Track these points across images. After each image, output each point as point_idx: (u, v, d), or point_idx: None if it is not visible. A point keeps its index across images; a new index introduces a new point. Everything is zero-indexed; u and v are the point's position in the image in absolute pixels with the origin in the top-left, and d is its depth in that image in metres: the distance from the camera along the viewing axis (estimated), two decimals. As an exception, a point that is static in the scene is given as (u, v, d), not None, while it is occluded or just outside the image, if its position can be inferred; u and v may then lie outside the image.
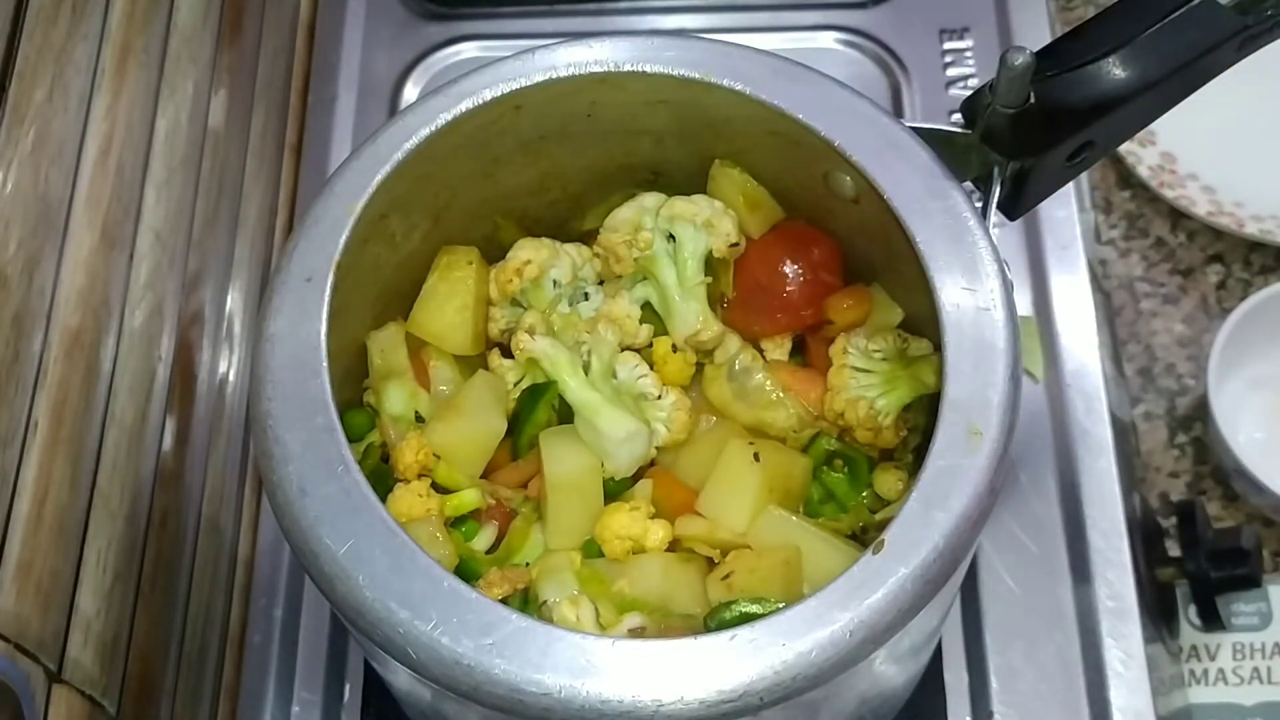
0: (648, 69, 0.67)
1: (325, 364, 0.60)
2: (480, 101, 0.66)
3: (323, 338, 0.61)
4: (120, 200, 0.75)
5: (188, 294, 0.83)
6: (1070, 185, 0.98)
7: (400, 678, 0.63)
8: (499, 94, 0.66)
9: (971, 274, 0.61)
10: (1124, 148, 1.07)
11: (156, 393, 0.79)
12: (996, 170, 0.65)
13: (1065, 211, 0.99)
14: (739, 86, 0.65)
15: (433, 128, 0.65)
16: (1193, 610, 0.91)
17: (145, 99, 0.80)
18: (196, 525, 0.84)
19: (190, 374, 0.83)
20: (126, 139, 0.77)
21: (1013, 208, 0.66)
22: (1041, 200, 0.68)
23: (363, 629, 0.56)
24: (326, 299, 0.61)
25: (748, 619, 0.57)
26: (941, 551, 0.56)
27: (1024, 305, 0.95)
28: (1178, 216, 1.08)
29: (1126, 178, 1.09)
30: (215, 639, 0.86)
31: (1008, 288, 0.61)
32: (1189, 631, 0.94)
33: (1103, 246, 1.08)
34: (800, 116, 0.64)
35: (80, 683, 0.67)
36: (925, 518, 0.56)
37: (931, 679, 0.83)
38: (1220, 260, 1.07)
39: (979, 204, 0.65)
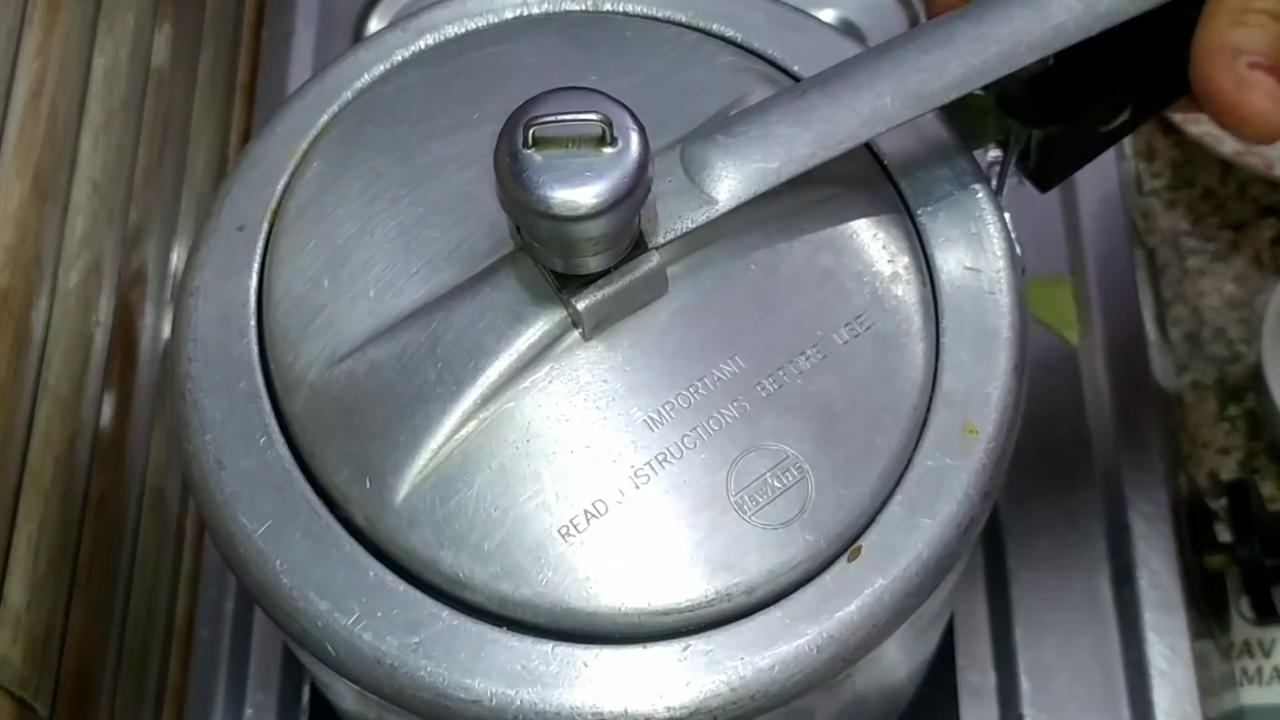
0: (630, 8, 0.65)
1: (254, 322, 0.59)
2: (442, 38, 0.65)
3: (252, 293, 0.60)
4: (53, 147, 0.74)
5: (128, 251, 0.82)
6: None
7: (323, 675, 0.62)
8: (463, 30, 0.65)
9: (976, 252, 0.59)
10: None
11: (94, 360, 0.78)
12: (1013, 138, 0.63)
13: (1103, 160, 0.97)
14: (730, 33, 0.64)
15: (388, 65, 0.64)
16: (1245, 602, 0.90)
17: (81, 34, 0.79)
18: (138, 507, 0.82)
19: (132, 339, 0.82)
20: (60, 79, 0.75)
21: (1043, 178, 0.64)
22: (1076, 170, 0.66)
23: (278, 619, 0.55)
24: (259, 250, 0.60)
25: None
26: (925, 562, 0.54)
27: (1059, 264, 0.94)
28: (1229, 165, 1.06)
29: (1169, 122, 1.08)
30: (159, 634, 0.85)
31: (1017, 268, 0.59)
32: (1241, 625, 0.94)
33: (1145, 198, 1.07)
34: (795, 69, 0.63)
35: (8, 682, 0.67)
36: (908, 523, 0.54)
37: (953, 678, 0.83)
38: (1275, 213, 1.06)
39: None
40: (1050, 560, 0.86)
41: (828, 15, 1.06)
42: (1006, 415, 0.57)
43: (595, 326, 0.55)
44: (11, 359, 0.69)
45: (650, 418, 0.54)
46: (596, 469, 0.54)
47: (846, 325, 0.57)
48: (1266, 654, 0.94)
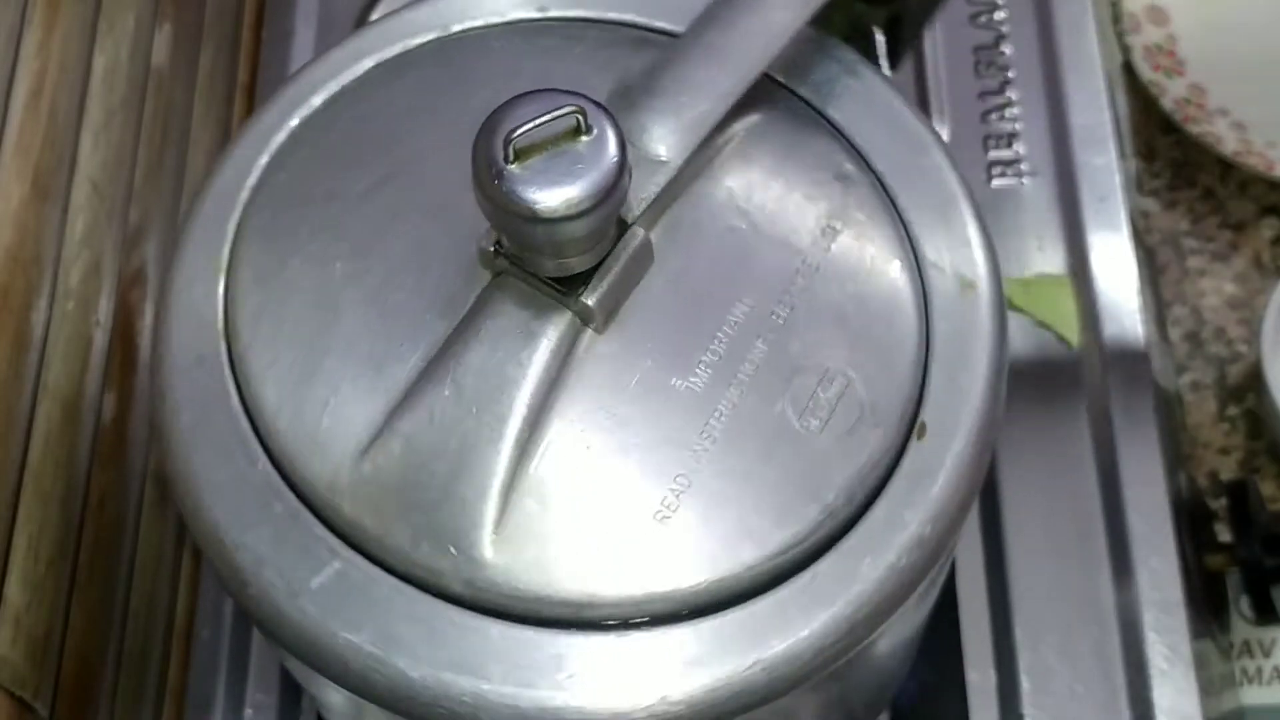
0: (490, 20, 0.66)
1: (259, 447, 0.57)
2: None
3: (243, 420, 0.58)
4: (53, 147, 0.74)
5: (128, 251, 0.82)
6: (1109, 129, 0.97)
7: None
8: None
9: (891, 125, 0.62)
10: (1149, 77, 1.07)
11: (94, 360, 0.78)
12: (871, 24, 0.66)
13: (1103, 159, 0.97)
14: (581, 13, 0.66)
15: (269, 155, 0.63)
16: (1245, 601, 0.90)
17: (81, 34, 0.79)
18: (138, 508, 0.82)
19: (132, 339, 0.82)
20: (60, 79, 0.76)
21: (892, 55, 0.68)
22: (916, 38, 0.69)
23: (422, 716, 0.54)
24: (229, 376, 0.59)
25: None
26: (982, 414, 0.57)
27: (1058, 264, 0.94)
28: (1229, 165, 1.07)
29: (1168, 122, 1.08)
30: (159, 634, 0.85)
31: (929, 126, 0.63)
32: (1241, 625, 0.94)
33: (1145, 198, 1.07)
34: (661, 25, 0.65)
35: (9, 682, 0.67)
36: (952, 387, 0.57)
37: (954, 679, 0.83)
38: (1275, 213, 1.07)
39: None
40: (1050, 560, 0.86)
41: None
42: (988, 260, 0.60)
43: (606, 318, 0.55)
44: (11, 359, 0.69)
45: (690, 383, 0.55)
46: (664, 448, 0.54)
47: (823, 233, 0.59)
48: (1266, 654, 0.94)
